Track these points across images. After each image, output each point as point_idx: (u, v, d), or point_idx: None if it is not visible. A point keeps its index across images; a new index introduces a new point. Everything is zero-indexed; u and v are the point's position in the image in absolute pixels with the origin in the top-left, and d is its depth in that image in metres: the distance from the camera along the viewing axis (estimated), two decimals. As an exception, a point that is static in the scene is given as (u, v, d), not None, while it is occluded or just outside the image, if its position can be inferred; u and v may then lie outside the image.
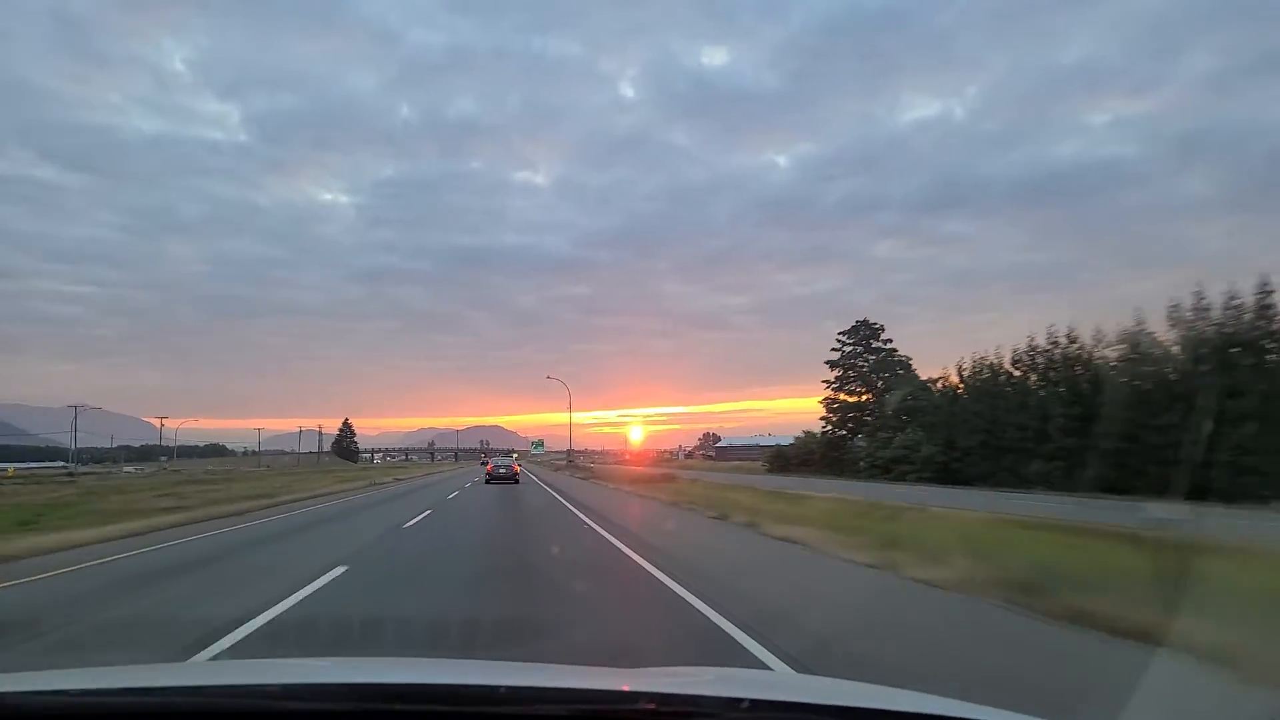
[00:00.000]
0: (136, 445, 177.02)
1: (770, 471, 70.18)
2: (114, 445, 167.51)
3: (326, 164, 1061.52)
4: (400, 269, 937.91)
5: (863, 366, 64.31)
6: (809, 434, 68.74)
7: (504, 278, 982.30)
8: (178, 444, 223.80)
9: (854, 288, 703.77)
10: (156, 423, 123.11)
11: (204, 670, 3.56)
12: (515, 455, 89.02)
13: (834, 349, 65.70)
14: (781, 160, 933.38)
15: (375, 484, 42.86)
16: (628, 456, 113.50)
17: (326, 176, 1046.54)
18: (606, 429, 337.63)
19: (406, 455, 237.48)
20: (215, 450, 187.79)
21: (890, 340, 64.18)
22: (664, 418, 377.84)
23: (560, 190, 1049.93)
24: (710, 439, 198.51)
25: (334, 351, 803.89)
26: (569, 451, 70.93)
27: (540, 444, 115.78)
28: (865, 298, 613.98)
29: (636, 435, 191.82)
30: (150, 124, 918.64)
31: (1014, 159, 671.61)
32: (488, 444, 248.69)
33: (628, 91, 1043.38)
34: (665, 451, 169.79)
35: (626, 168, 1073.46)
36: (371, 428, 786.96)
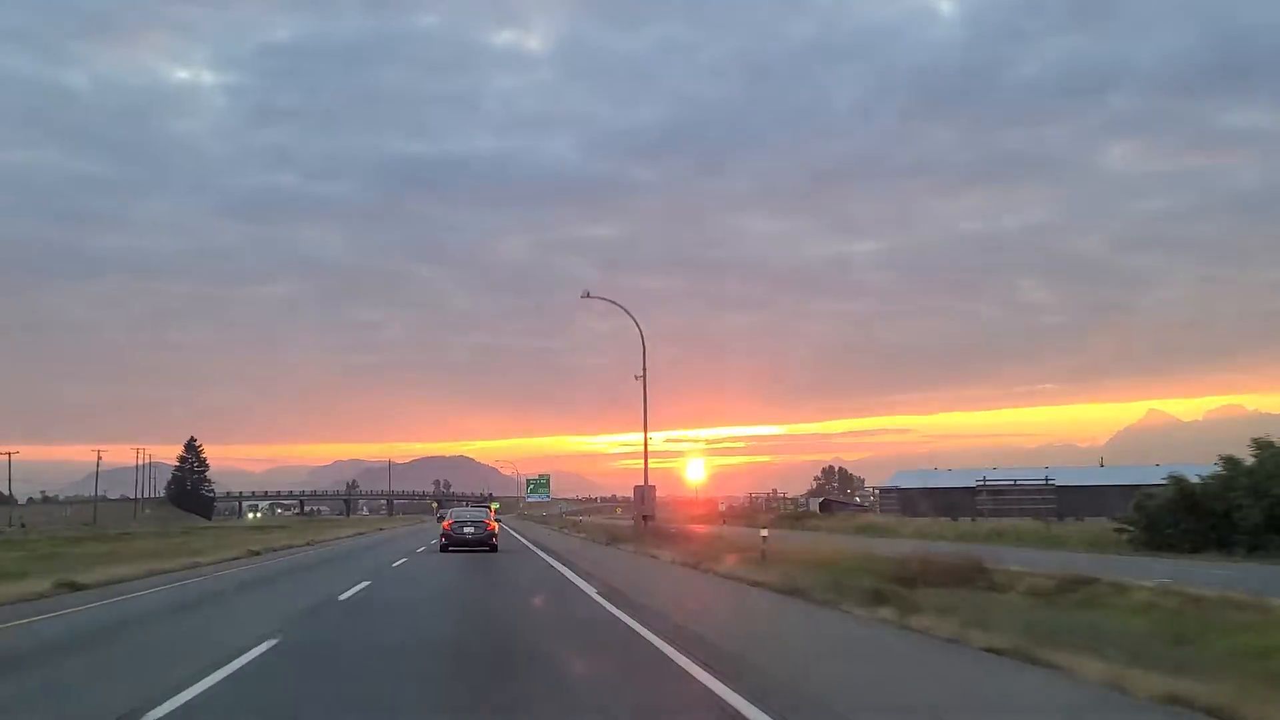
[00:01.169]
0: None
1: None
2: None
3: (181, 20, 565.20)
4: (303, 195, 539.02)
5: None
6: None
7: (476, 209, 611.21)
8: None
9: (1066, 223, 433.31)
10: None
11: None
12: (495, 504, 59.62)
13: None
14: (944, 6, 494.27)
15: None
16: (722, 510, 69.10)
17: (181, 41, 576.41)
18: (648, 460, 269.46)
19: (303, 506, 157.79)
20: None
21: None
22: (743, 443, 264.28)
23: (567, 61, 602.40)
24: (835, 475, 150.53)
25: (194, 335, 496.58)
26: (642, 489, 31.03)
27: (543, 484, 75.08)
28: (1085, 240, 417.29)
29: (698, 472, 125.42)
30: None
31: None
32: (447, 486, 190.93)
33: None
34: (761, 497, 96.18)
35: (677, 21, 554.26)
36: (260, 460, 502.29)
